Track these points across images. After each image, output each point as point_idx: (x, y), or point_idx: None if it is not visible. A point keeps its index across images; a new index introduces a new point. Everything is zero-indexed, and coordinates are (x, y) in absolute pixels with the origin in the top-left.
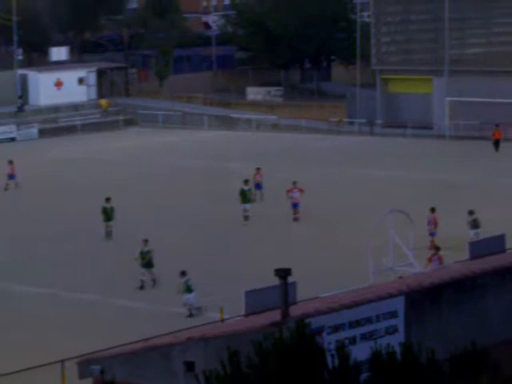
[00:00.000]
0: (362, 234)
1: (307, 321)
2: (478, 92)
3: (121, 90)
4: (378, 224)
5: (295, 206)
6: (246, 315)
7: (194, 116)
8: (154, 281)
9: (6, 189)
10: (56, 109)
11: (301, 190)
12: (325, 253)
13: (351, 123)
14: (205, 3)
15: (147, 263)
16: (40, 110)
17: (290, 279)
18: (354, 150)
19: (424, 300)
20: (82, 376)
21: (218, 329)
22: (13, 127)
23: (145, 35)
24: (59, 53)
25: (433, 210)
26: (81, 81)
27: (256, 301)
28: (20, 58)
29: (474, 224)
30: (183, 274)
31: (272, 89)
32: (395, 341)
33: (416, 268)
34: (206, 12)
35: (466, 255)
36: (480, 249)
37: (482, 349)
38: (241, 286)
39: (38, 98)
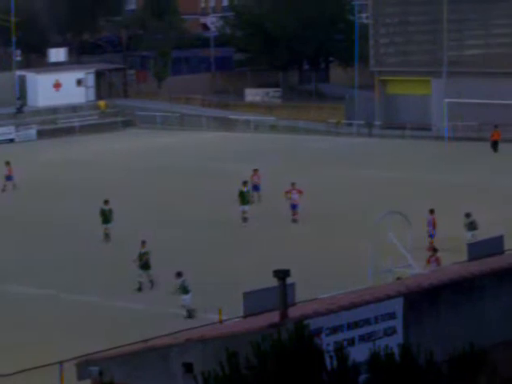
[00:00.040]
0: (361, 235)
1: (306, 322)
2: (476, 93)
3: (119, 92)
4: (376, 225)
5: (294, 207)
6: (245, 316)
7: (193, 117)
8: (151, 282)
9: (3, 190)
10: (54, 110)
11: (299, 192)
12: (323, 254)
13: (349, 125)
14: (203, 4)
15: (144, 265)
16: (38, 112)
17: (289, 280)
18: (353, 152)
19: (422, 301)
20: (80, 377)
21: (217, 330)
22: (11, 128)
23: (143, 36)
24: (57, 54)
25: (432, 211)
26: (79, 82)
27: (254, 302)
28: (18, 59)
29: (471, 226)
30: (179, 275)
31: (270, 90)
32: (394, 342)
33: (415, 269)
34: (205, 13)
35: (464, 256)
36: (478, 250)
37: (480, 350)
38: (239, 287)
39: (36, 100)
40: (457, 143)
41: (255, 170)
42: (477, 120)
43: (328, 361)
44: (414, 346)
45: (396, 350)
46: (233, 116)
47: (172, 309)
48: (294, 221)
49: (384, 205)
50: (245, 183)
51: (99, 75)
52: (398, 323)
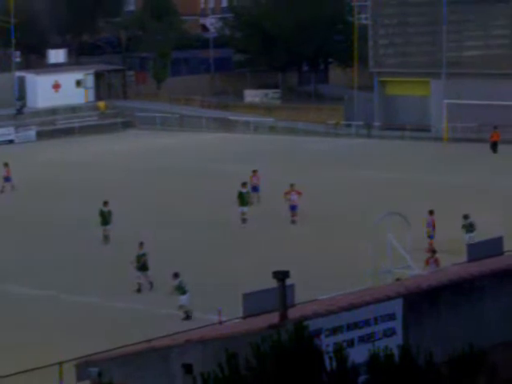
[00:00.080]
0: (360, 236)
1: (305, 323)
2: (475, 94)
3: (118, 93)
4: (375, 226)
5: (293, 208)
6: (244, 317)
7: (192, 118)
8: (150, 284)
9: (1, 191)
10: (54, 111)
11: (298, 193)
12: (323, 255)
13: (349, 126)
14: (203, 5)
15: (142, 266)
16: (38, 113)
17: (288, 282)
18: (352, 153)
19: (422, 302)
20: (79, 378)
21: (216, 331)
22: (11, 129)
23: (142, 37)
24: (57, 55)
25: (431, 212)
26: (78, 83)
27: (254, 303)
28: (18, 60)
29: (470, 228)
30: (176, 275)
31: (270, 91)
32: (393, 343)
33: (414, 270)
34: (204, 14)
35: (463, 257)
36: (478, 251)
37: (480, 351)
38: (239, 288)
39: (35, 101)
40: (456, 144)
41: (254, 171)
42: (476, 121)
43: (327, 362)
44: (413, 347)
45: (395, 351)
46: (232, 117)
47: (172, 310)
48: (293, 222)
49: (383, 206)
50: (244, 184)
51: (99, 76)
52: (397, 324)
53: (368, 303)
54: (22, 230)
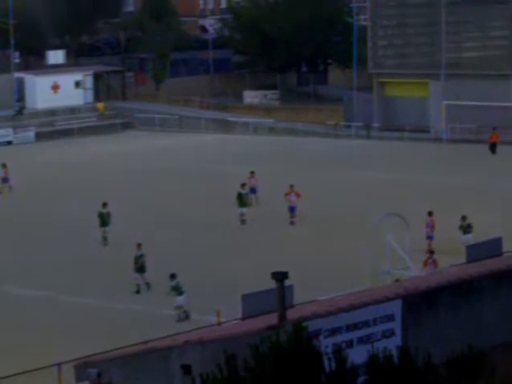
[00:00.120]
0: (359, 237)
1: (304, 324)
2: (474, 95)
3: (117, 94)
4: (374, 227)
5: (292, 209)
6: (243, 318)
7: (191, 119)
8: (147, 285)
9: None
10: (53, 112)
11: (297, 195)
12: (322, 256)
13: (348, 127)
14: (202, 6)
15: (140, 268)
16: (37, 114)
17: (287, 282)
18: (351, 154)
19: (421, 303)
20: (78, 379)
21: (215, 332)
22: (9, 130)
23: (141, 38)
24: (56, 56)
25: (430, 213)
26: (77, 84)
27: (253, 304)
28: (17, 61)
29: (467, 229)
30: (173, 276)
31: (269, 92)
32: (392, 344)
33: (413, 271)
34: (203, 15)
35: (462, 258)
36: (477, 252)
37: (479, 352)
38: (238, 289)
39: (34, 102)
40: (455, 145)
41: (252, 173)
42: (475, 122)
43: (326, 363)
44: (412, 348)
45: (394, 352)
46: (231, 118)
47: (171, 311)
48: (292, 223)
49: (382, 207)
50: (243, 185)
51: (98, 77)
52: (396, 325)
53: (367, 304)
54: (21, 230)
